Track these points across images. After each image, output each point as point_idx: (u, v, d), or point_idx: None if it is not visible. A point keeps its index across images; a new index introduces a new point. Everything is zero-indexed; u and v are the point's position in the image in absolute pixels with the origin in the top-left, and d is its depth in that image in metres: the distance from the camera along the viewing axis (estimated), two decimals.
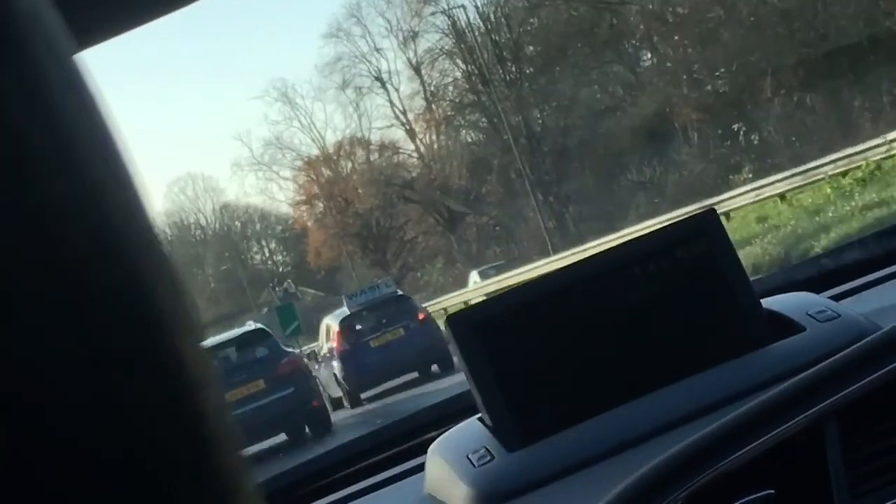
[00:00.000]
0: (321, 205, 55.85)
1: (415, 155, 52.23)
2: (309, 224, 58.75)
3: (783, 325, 1.16)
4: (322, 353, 18.46)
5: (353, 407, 16.35)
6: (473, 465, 1.09)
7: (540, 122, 41.93)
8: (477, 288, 29.67)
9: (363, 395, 16.67)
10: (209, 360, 0.25)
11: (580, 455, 1.07)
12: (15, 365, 0.22)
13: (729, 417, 0.93)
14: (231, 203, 73.85)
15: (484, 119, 46.34)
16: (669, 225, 1.18)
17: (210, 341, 14.14)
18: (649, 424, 1.08)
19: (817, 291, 1.36)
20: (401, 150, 52.82)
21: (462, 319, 1.13)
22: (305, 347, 26.21)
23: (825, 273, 1.51)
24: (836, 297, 1.35)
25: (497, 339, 1.13)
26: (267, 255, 77.64)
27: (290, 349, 15.49)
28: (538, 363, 1.13)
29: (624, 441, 1.07)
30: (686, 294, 1.15)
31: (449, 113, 48.71)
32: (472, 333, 1.13)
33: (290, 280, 66.93)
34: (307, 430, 12.89)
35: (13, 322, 0.22)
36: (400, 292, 18.62)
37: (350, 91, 52.52)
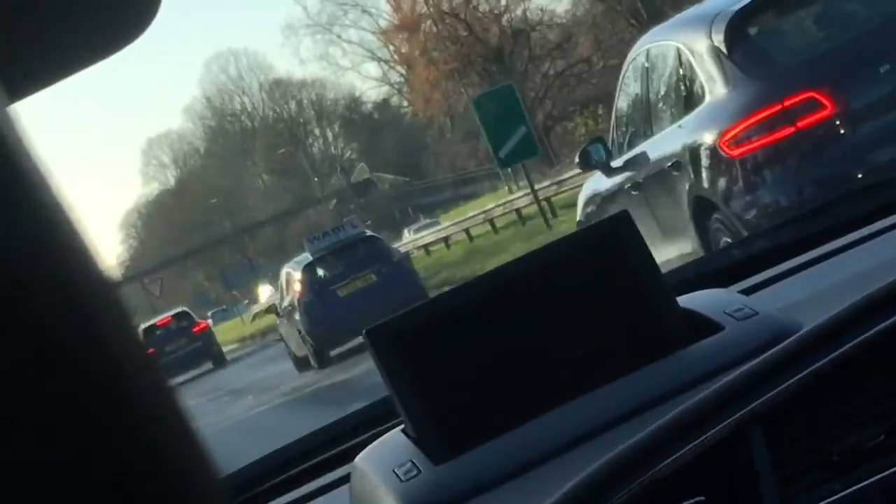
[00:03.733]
0: (430, 28, 44.59)
1: None
2: (411, 59, 47.19)
3: (701, 325, 1.26)
4: (283, 306, 17.95)
5: (321, 367, 15.89)
6: (400, 480, 1.17)
7: None
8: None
9: (332, 353, 16.27)
10: (155, 369, 0.33)
11: (506, 466, 1.16)
12: None
13: (654, 425, 1.03)
14: (283, 80, 68.22)
15: None
16: (583, 229, 1.29)
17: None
18: (574, 432, 1.17)
19: (728, 284, 1.49)
20: None
21: (380, 331, 1.22)
22: None
23: (735, 264, 1.63)
24: (748, 290, 1.45)
25: (417, 351, 1.21)
26: (330, 138, 68.36)
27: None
28: (460, 373, 1.22)
29: (550, 450, 1.16)
30: (604, 298, 1.25)
31: None
32: (391, 345, 1.21)
33: (362, 164, 66.87)
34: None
35: None
36: (369, 233, 18.19)
37: None
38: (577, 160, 7.32)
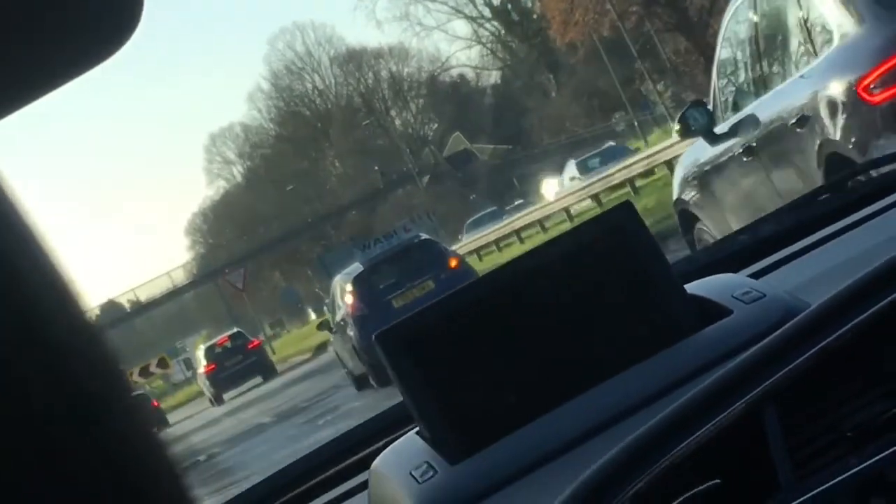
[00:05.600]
0: None
1: None
2: None
3: (710, 310, 1.36)
4: (336, 321, 18.01)
5: (381, 385, 15.66)
6: (417, 481, 1.29)
7: None
8: None
9: None
10: (148, 416, 0.37)
11: (522, 462, 1.26)
12: None
13: (667, 411, 1.12)
14: (357, 51, 66.21)
15: None
16: (587, 221, 1.40)
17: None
18: (587, 424, 1.27)
19: (736, 269, 1.60)
20: None
21: (390, 335, 1.33)
22: None
23: (743, 250, 1.75)
24: (757, 274, 1.56)
25: (427, 352, 1.32)
26: (414, 110, 66.71)
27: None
28: (471, 372, 1.33)
29: (564, 443, 1.26)
30: (611, 289, 1.35)
31: None
32: (401, 348, 1.32)
33: (457, 133, 66.05)
34: None
35: None
36: (424, 236, 18.33)
37: None
38: (675, 128, 6.93)
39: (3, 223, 0.35)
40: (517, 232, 35.63)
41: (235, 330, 44.08)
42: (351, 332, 16.69)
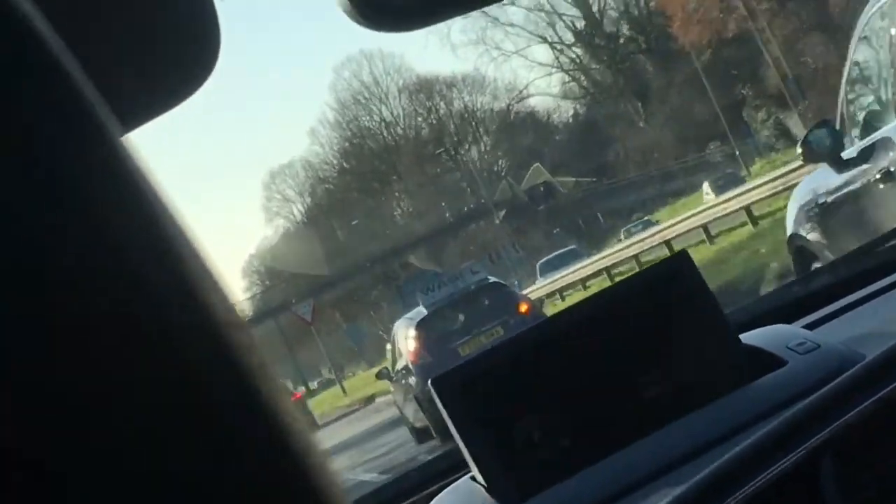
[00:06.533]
0: None
1: None
2: None
3: (764, 360, 1.43)
4: (397, 369, 17.69)
5: (443, 439, 14.82)
6: None
7: None
8: None
9: None
10: (283, 395, 0.38)
11: None
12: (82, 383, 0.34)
13: (722, 460, 1.18)
14: (428, 78, 66.87)
15: None
16: (644, 270, 1.48)
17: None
18: (642, 471, 1.34)
19: (791, 320, 1.67)
20: None
21: (445, 380, 1.42)
22: None
23: (797, 300, 1.83)
24: (811, 325, 1.63)
25: (482, 397, 1.41)
26: (487, 142, 66.26)
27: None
28: (525, 418, 1.41)
29: (618, 490, 1.33)
30: (667, 337, 1.43)
31: None
32: (456, 393, 1.40)
33: (537, 164, 65.61)
34: None
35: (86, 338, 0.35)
36: (492, 279, 17.92)
37: None
38: (798, 152, 6.38)
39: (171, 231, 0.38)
40: (667, 242, 31.42)
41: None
42: (412, 382, 16.37)
